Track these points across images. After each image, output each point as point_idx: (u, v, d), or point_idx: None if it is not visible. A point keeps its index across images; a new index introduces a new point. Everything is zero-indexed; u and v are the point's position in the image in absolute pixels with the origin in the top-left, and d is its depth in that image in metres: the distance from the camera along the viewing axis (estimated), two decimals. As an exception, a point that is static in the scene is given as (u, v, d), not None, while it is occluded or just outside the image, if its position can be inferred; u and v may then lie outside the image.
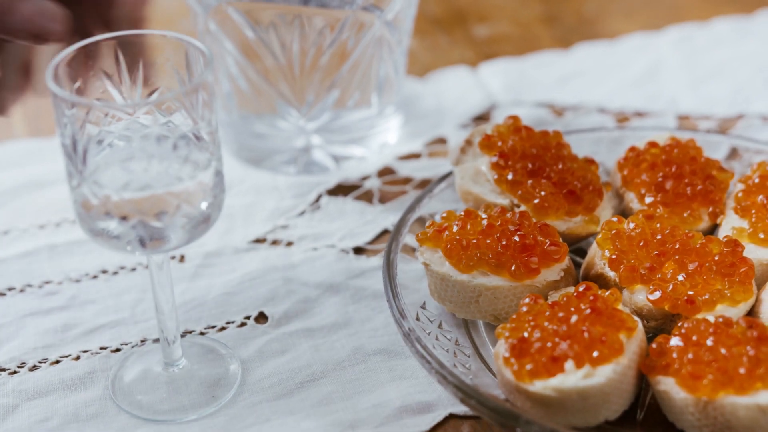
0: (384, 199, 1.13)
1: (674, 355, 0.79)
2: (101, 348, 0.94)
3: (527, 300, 0.84)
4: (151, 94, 0.80)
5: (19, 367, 0.93)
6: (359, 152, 1.17)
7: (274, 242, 1.07)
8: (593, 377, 0.78)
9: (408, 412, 0.88)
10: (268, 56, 1.07)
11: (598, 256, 0.91)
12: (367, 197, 1.13)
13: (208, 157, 0.78)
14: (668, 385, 0.79)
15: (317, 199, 1.12)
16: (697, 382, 0.77)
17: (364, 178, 1.15)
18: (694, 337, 0.80)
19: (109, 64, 0.79)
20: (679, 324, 0.82)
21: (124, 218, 0.76)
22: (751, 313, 0.87)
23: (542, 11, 1.49)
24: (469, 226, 0.91)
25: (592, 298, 0.83)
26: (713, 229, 0.97)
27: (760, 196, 0.95)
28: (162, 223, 0.77)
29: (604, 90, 1.31)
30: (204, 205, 0.79)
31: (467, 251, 0.89)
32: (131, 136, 0.76)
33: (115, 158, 0.77)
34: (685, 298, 0.84)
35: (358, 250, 1.06)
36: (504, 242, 0.89)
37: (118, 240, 0.78)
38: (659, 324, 0.86)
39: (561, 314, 0.82)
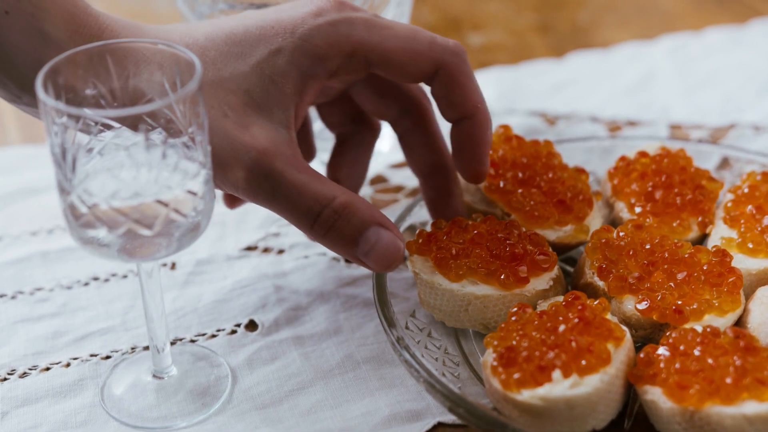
0: (376, 207, 1.13)
1: (661, 365, 0.80)
2: (91, 355, 0.95)
3: (516, 309, 0.85)
4: (140, 102, 0.80)
5: (9, 374, 0.93)
6: (351, 160, 1.17)
7: (266, 250, 1.07)
8: (580, 387, 0.78)
9: (397, 421, 0.88)
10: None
11: (587, 266, 0.91)
12: (359, 205, 1.13)
13: (198, 166, 0.78)
14: (655, 395, 0.79)
15: (309, 207, 1.12)
16: (684, 392, 0.77)
17: (356, 186, 1.15)
18: (682, 347, 0.80)
19: (99, 72, 0.79)
20: (667, 334, 0.82)
21: (113, 226, 0.76)
22: (739, 323, 0.87)
23: (536, 20, 1.49)
24: (458, 235, 0.91)
25: (580, 307, 0.83)
26: (702, 239, 0.98)
27: (749, 206, 0.95)
28: (151, 232, 0.77)
29: (596, 99, 1.31)
30: (193, 214, 0.79)
31: (457, 260, 0.89)
32: (120, 145, 0.76)
33: (104, 167, 0.77)
34: (674, 307, 0.85)
35: (350, 259, 1.06)
36: (493, 251, 0.90)
37: (107, 248, 0.78)
38: (647, 333, 0.86)
39: (549, 324, 0.82)
